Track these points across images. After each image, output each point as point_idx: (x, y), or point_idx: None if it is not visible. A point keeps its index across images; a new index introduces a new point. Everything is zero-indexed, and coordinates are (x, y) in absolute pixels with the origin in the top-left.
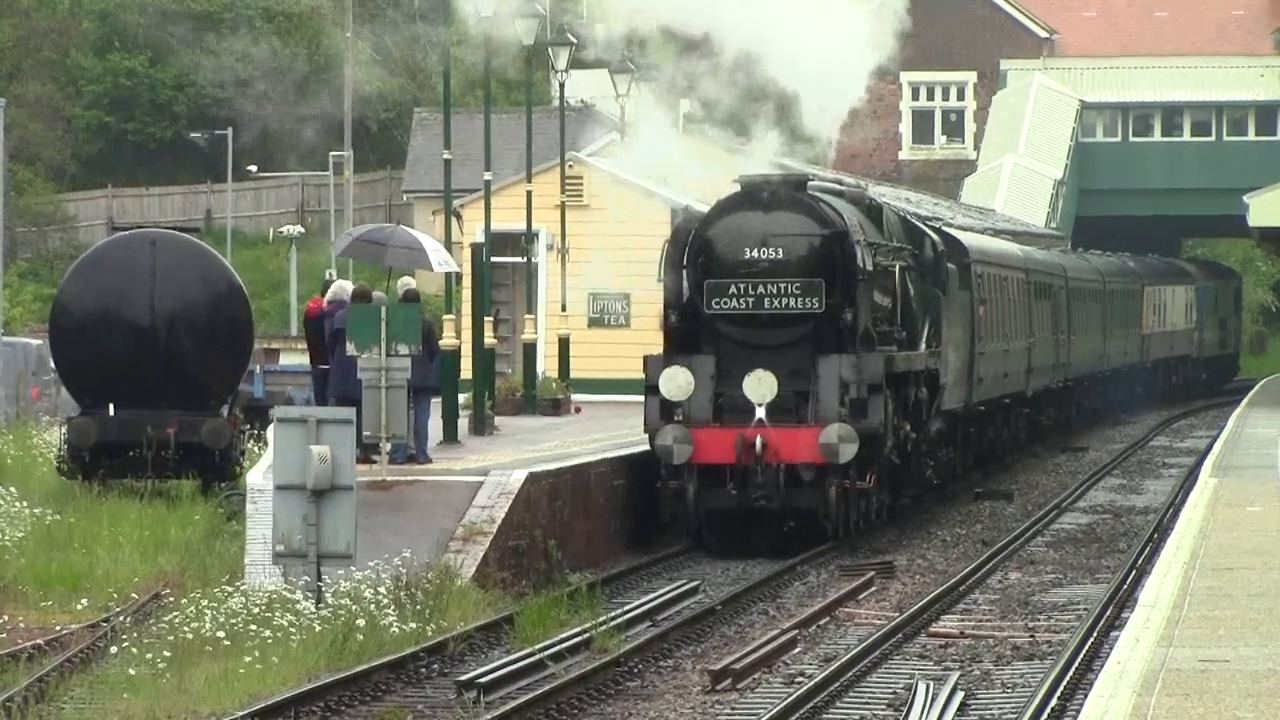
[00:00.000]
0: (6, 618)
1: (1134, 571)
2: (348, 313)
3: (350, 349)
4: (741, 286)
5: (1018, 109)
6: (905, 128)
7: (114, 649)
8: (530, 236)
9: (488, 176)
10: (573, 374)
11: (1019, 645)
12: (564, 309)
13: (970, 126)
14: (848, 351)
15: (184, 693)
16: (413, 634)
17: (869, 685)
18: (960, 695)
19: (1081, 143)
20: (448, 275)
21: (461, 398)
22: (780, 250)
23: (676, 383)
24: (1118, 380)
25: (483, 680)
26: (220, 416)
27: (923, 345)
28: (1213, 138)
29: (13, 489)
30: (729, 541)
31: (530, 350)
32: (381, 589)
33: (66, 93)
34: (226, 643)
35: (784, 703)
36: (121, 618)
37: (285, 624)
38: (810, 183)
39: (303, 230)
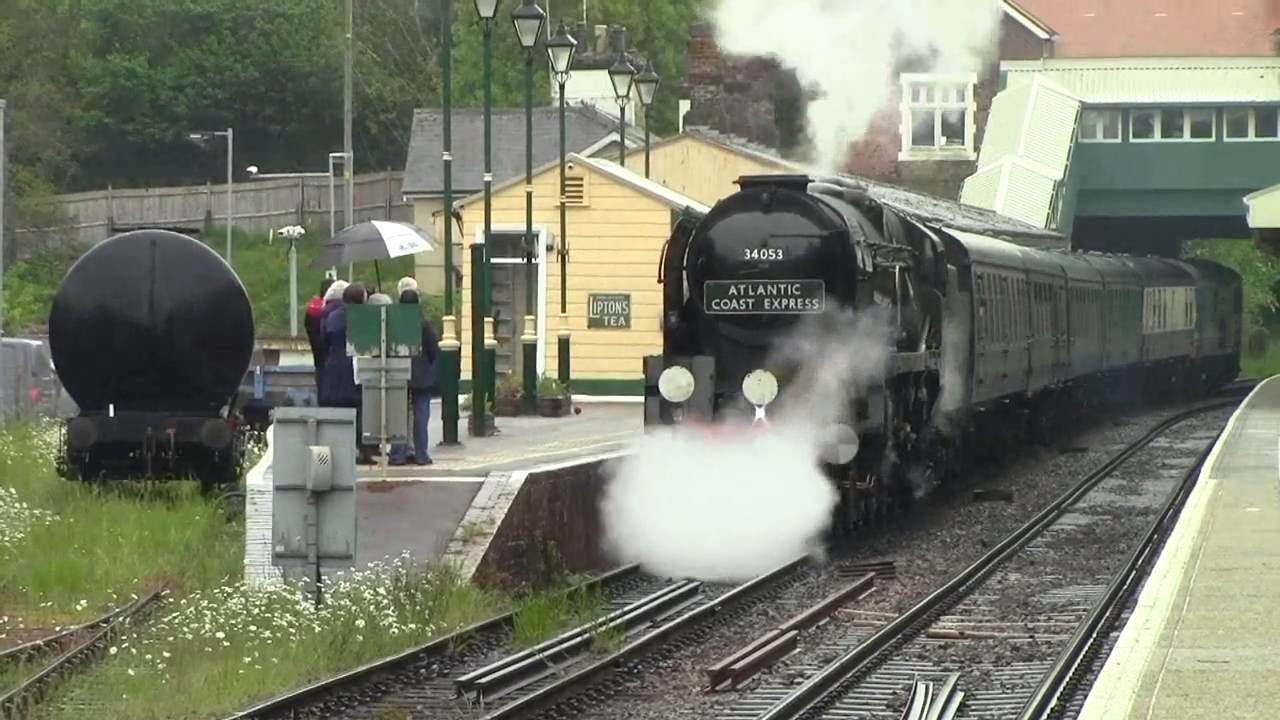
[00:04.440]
0: (6, 618)
1: (1134, 572)
2: (341, 313)
3: (350, 349)
4: (741, 287)
5: (1017, 110)
6: (905, 129)
7: (113, 649)
8: (530, 237)
9: (488, 178)
10: (573, 375)
11: (1019, 646)
12: (564, 309)
13: (970, 127)
14: (847, 353)
15: (183, 693)
16: (412, 634)
17: (869, 686)
18: (960, 696)
19: (1081, 143)
20: (448, 275)
21: (461, 398)
22: (780, 251)
23: (676, 383)
24: (1117, 381)
25: (483, 681)
26: (220, 417)
27: (922, 346)
28: (1213, 138)
29: (13, 490)
30: None
31: (530, 351)
32: (381, 589)
33: (66, 93)
34: (226, 643)
35: (784, 703)
36: (121, 618)
37: (285, 624)
38: (810, 184)
39: (303, 231)
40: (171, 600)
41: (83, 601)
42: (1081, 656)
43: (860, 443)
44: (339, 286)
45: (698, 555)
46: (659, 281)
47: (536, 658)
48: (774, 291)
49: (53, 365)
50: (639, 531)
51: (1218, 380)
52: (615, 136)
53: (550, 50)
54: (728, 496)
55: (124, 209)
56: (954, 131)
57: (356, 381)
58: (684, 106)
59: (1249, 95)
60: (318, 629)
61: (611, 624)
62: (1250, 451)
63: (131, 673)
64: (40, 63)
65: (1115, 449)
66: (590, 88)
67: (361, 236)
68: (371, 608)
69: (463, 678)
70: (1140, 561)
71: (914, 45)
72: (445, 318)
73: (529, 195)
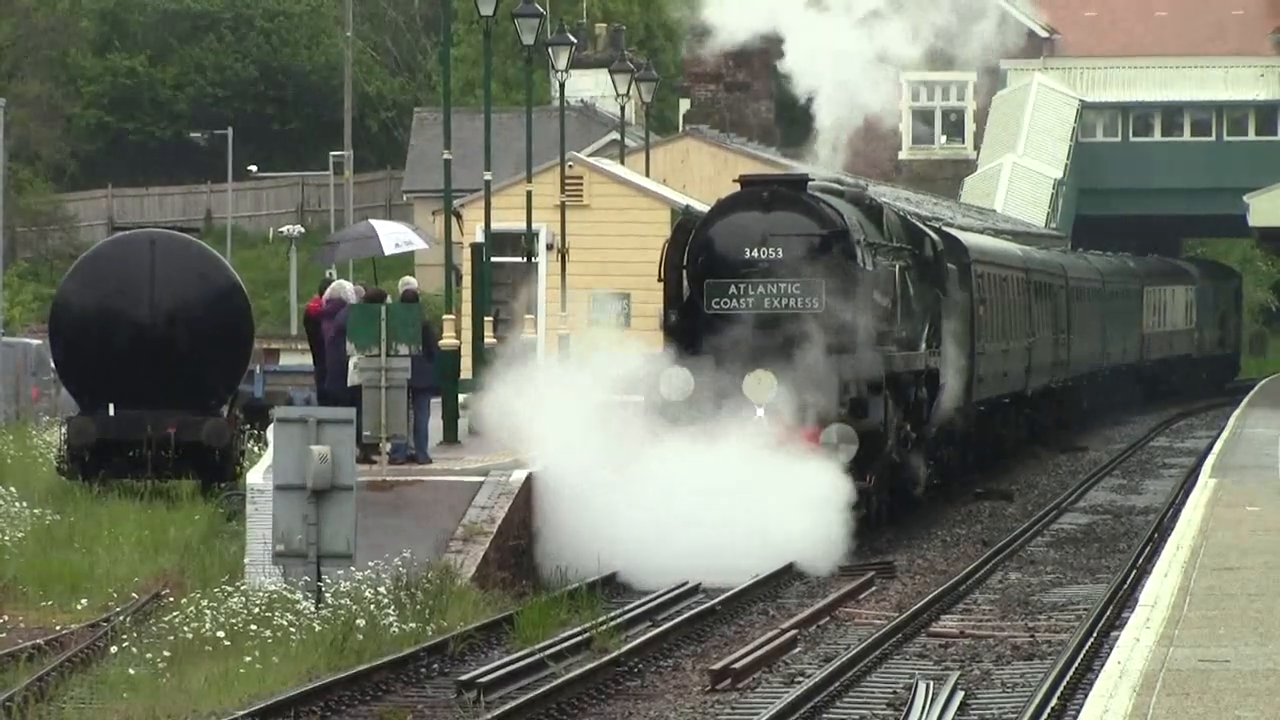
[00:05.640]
0: (6, 617)
1: (1134, 571)
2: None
3: (349, 348)
4: (741, 286)
5: (1018, 109)
6: (905, 127)
7: (114, 649)
8: (530, 236)
9: (488, 176)
10: None
11: (1019, 645)
12: (564, 309)
13: (970, 126)
14: (848, 351)
15: (184, 693)
16: (413, 634)
17: (869, 685)
18: (960, 695)
19: (1081, 142)
20: (448, 274)
21: (461, 397)
22: (780, 250)
23: (676, 383)
24: (1118, 380)
25: (483, 680)
26: (220, 416)
27: (923, 345)
28: (1213, 137)
29: (13, 489)
30: None
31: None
32: (382, 589)
33: (66, 92)
34: (226, 643)
35: (784, 702)
36: (121, 617)
37: (285, 624)
38: (810, 182)
39: (302, 230)
40: (172, 599)
41: (83, 601)
42: (1082, 656)
43: (860, 442)
44: (342, 285)
45: (696, 560)
46: (659, 280)
47: (537, 657)
48: (774, 290)
49: (52, 364)
50: (629, 535)
51: (1218, 379)
52: (615, 135)
53: (550, 49)
54: (730, 497)
55: (124, 208)
56: (954, 130)
57: (355, 381)
58: (684, 105)
59: (1249, 94)
60: (318, 628)
61: (612, 623)
62: (1250, 451)
63: (132, 672)
64: (40, 61)
65: (1115, 448)
66: (590, 86)
67: (357, 234)
68: (372, 607)
69: (463, 677)
70: (1140, 561)
71: (929, 46)
72: (445, 317)
73: (529, 194)
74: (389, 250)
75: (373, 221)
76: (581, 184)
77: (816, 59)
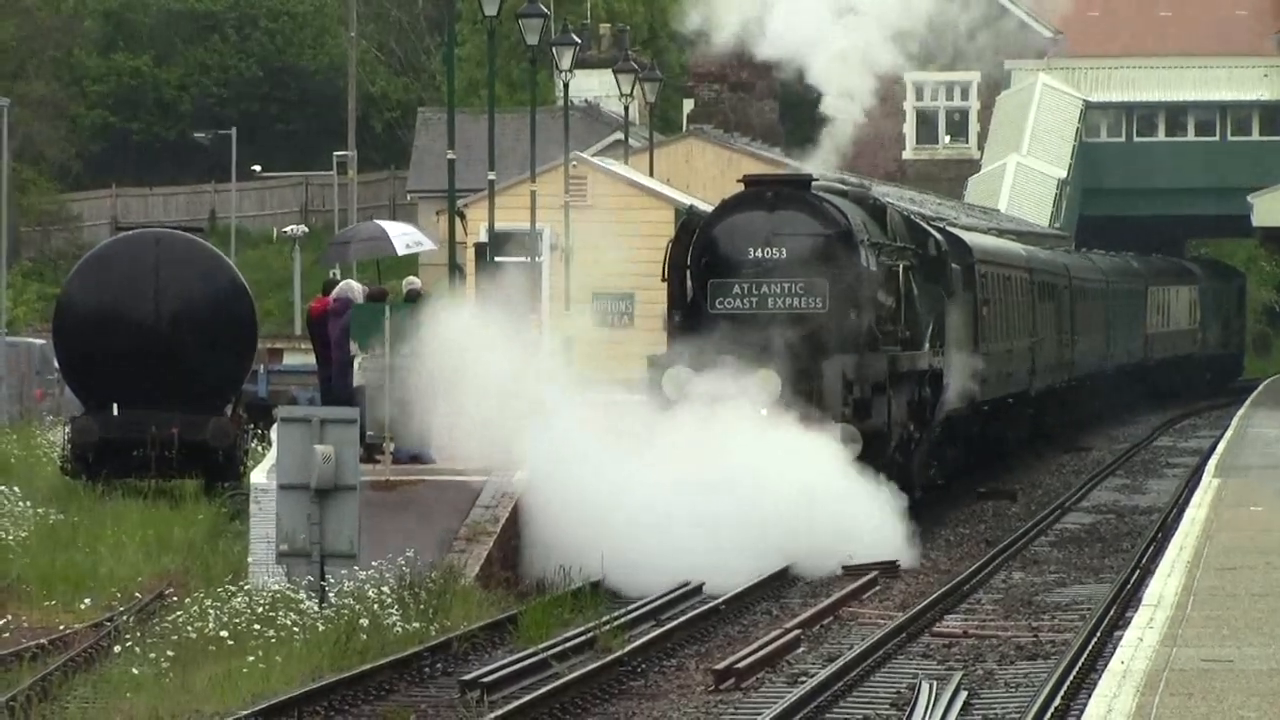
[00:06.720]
0: (10, 617)
1: (1138, 571)
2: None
3: (353, 348)
4: (745, 286)
5: (1021, 109)
6: (909, 128)
7: (117, 648)
8: (534, 236)
9: (492, 177)
10: None
11: (1022, 645)
12: (567, 308)
13: (974, 126)
14: (851, 351)
15: (187, 692)
16: (416, 633)
17: (872, 685)
18: (964, 695)
19: (1085, 142)
20: (451, 274)
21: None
22: (784, 250)
23: (679, 383)
24: (1121, 380)
25: (486, 680)
26: (224, 416)
27: (926, 345)
28: (1217, 138)
29: (16, 488)
30: None
31: None
32: (385, 588)
33: (70, 92)
34: (230, 642)
35: (787, 702)
36: (125, 617)
37: (289, 623)
38: (814, 182)
39: (306, 230)
40: (175, 599)
41: (86, 600)
42: (1085, 655)
43: (863, 442)
44: (348, 285)
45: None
46: (663, 280)
47: (540, 657)
48: (777, 290)
49: (56, 364)
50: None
51: (1221, 379)
52: (619, 135)
53: (554, 49)
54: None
55: (128, 208)
56: (958, 130)
57: (359, 381)
58: (688, 105)
59: (1253, 94)
60: (321, 628)
61: (615, 623)
62: (1254, 450)
63: (135, 672)
64: (44, 61)
65: (1119, 448)
66: (594, 86)
67: (367, 235)
68: (375, 606)
69: (466, 677)
70: (1144, 560)
71: (934, 47)
72: None
73: (533, 194)
74: (401, 251)
75: (380, 222)
76: (585, 184)
77: (804, 28)
